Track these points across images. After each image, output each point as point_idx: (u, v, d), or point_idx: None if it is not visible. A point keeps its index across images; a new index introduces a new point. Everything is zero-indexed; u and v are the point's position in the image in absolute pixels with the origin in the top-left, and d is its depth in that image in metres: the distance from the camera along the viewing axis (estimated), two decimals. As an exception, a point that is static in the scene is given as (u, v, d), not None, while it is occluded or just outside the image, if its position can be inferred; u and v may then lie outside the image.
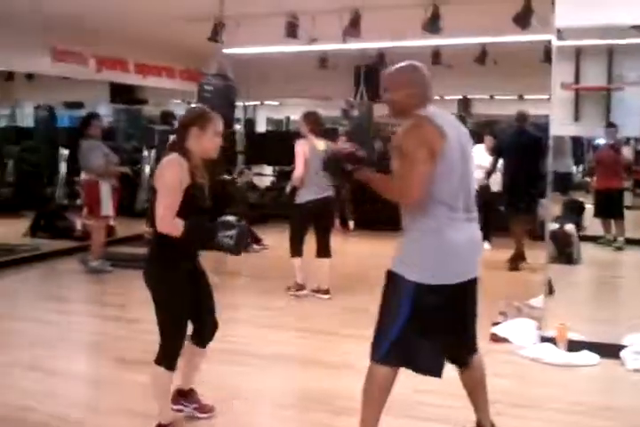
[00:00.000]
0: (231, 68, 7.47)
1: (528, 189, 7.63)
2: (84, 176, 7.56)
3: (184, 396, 3.60)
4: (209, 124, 3.21)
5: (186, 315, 3.27)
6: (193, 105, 7.29)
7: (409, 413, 3.69)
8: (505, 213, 8.10)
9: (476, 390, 3.20)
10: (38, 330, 5.38)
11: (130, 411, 3.69)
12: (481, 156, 8.11)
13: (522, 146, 7.62)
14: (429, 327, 2.89)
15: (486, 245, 8.45)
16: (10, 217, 10.68)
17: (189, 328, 3.37)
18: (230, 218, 3.14)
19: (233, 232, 3.06)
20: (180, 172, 3.10)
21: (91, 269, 7.41)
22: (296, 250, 6.45)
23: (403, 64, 3.04)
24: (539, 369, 4.52)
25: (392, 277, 2.95)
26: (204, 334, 3.45)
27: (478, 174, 8.37)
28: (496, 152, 8.20)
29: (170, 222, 3.06)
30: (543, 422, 3.70)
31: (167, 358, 3.24)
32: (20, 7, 6.79)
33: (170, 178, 3.09)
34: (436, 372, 2.99)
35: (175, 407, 3.55)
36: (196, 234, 3.13)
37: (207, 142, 3.21)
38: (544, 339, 4.85)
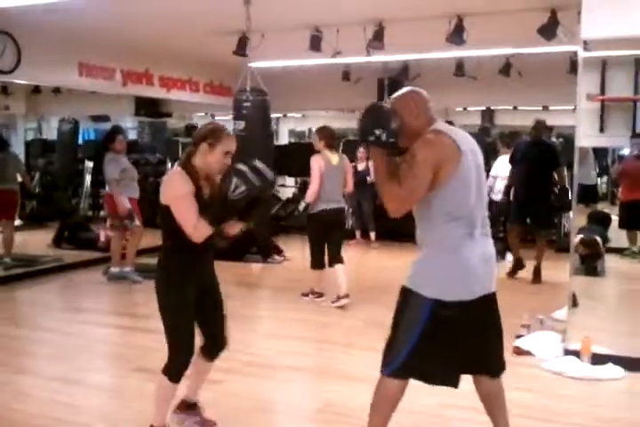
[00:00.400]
0: (261, 82, 7.51)
1: (542, 201, 7.47)
2: (107, 188, 7.66)
3: (188, 408, 3.55)
4: (218, 144, 3.12)
5: (190, 329, 3.21)
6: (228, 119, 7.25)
7: None
8: (509, 224, 7.84)
9: (494, 405, 3.11)
10: (60, 340, 5.41)
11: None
12: (506, 167, 8.03)
13: (535, 156, 7.36)
14: (444, 344, 2.85)
15: (509, 257, 8.36)
16: (34, 228, 10.82)
17: (200, 340, 3.34)
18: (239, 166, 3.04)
19: (242, 188, 2.96)
20: (185, 182, 3.08)
21: (110, 276, 7.49)
22: (317, 262, 6.46)
23: (397, 93, 2.99)
24: (562, 383, 4.43)
25: (407, 294, 2.91)
26: (212, 348, 3.40)
27: (500, 185, 8.33)
28: (510, 163, 7.81)
29: (200, 231, 3.03)
30: (565, 436, 3.63)
31: (172, 370, 3.21)
32: (47, 22, 6.91)
33: (177, 188, 3.07)
34: (451, 383, 2.96)
35: (177, 417, 3.51)
36: (219, 216, 3.05)
37: (213, 161, 3.13)
38: (568, 352, 4.77)
